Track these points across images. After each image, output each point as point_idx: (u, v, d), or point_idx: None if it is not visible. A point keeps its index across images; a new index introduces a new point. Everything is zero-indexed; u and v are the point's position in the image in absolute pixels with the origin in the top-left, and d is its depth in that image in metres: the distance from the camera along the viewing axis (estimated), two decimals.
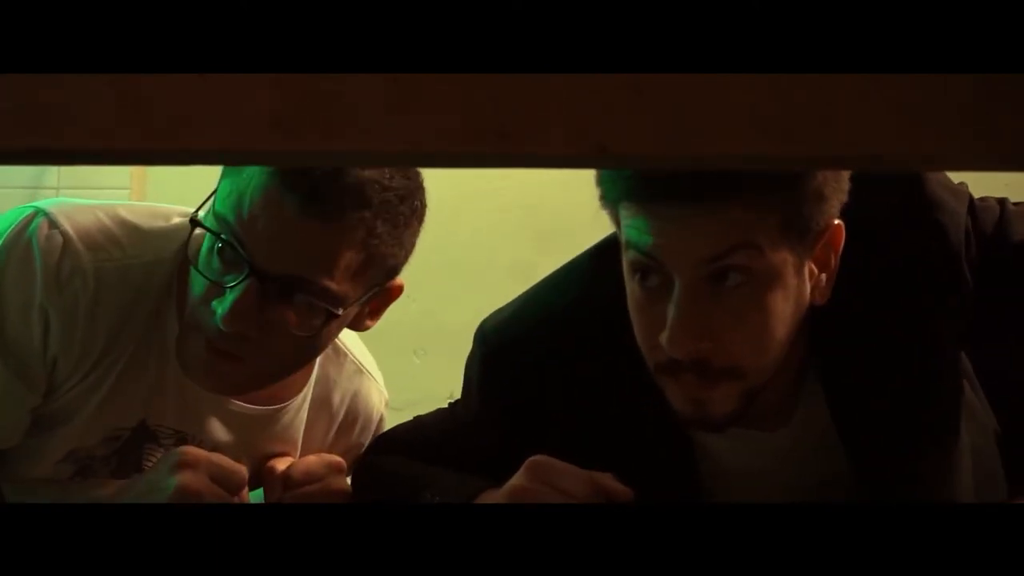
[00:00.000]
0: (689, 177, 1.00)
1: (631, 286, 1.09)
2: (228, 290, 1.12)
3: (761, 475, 1.20)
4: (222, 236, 1.12)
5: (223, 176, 1.16)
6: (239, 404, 1.29)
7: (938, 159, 0.50)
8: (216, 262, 1.14)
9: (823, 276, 1.10)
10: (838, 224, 1.09)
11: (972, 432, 1.23)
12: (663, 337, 1.04)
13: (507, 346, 1.25)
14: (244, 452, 1.31)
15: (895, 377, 1.15)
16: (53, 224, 1.18)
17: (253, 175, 1.12)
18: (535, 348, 1.23)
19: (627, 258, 1.08)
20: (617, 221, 1.11)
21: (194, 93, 0.48)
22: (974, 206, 1.16)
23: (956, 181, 1.19)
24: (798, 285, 1.07)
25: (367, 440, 1.43)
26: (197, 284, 1.16)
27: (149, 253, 1.21)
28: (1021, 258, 1.15)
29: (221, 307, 1.12)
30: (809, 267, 1.08)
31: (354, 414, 1.41)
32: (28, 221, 1.18)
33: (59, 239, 1.17)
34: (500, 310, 1.29)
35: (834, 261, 1.10)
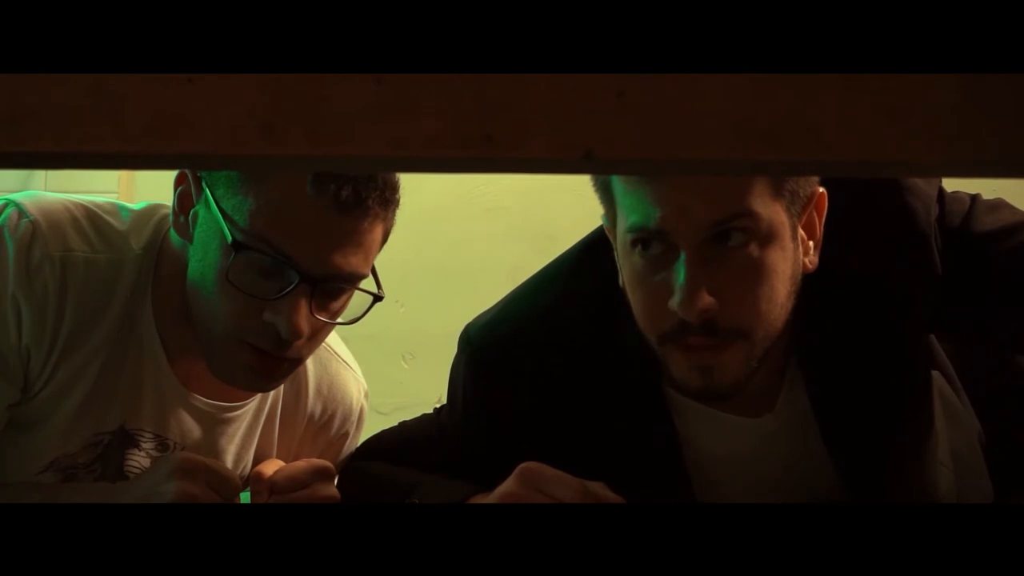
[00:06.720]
0: None
1: (631, 260, 1.11)
2: (274, 302, 1.15)
3: (746, 462, 1.21)
4: (270, 254, 1.14)
5: (224, 194, 1.16)
6: (205, 400, 1.29)
7: (926, 165, 0.50)
8: (261, 280, 1.15)
9: (811, 243, 1.13)
10: (822, 192, 1.12)
11: (954, 436, 1.24)
12: (673, 301, 1.06)
13: (493, 348, 1.26)
14: (219, 451, 1.31)
15: (869, 361, 1.17)
16: (23, 214, 1.19)
17: (272, 186, 1.13)
18: (521, 348, 1.24)
19: (626, 233, 1.09)
20: (610, 199, 1.12)
21: (179, 97, 0.48)
22: (943, 195, 1.18)
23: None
24: (794, 249, 1.11)
25: (350, 430, 1.43)
26: (218, 302, 1.17)
27: (114, 251, 1.22)
28: (982, 248, 1.17)
29: (282, 323, 1.15)
30: (800, 233, 1.11)
31: (332, 406, 1.40)
32: None
33: (29, 228, 1.18)
34: (484, 313, 1.30)
35: (819, 229, 1.14)
